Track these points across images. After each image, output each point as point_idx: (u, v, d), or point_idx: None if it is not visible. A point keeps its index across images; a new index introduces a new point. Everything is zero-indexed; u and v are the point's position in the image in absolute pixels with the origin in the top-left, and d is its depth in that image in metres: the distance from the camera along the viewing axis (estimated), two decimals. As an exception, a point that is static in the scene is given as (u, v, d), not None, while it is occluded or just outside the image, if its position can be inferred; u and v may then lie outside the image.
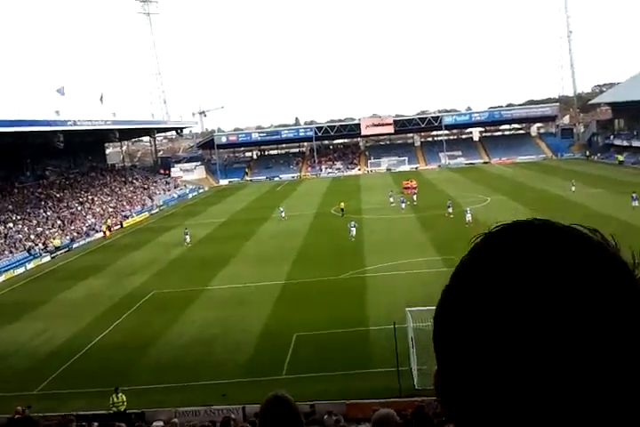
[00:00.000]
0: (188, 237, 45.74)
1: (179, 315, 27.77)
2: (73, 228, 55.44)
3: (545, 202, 50.54)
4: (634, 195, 45.02)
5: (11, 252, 45.85)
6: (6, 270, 41.85)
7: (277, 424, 2.83)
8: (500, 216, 38.67)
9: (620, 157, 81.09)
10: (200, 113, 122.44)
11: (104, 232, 55.38)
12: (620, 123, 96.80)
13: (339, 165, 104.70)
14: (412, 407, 16.76)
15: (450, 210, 47.06)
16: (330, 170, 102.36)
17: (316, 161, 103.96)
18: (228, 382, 20.53)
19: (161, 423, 16.80)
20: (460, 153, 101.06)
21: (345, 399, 18.49)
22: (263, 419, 2.94)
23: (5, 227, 50.48)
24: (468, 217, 42.42)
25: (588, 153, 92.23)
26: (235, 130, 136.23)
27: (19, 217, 53.90)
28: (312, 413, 17.10)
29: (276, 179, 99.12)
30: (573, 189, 54.54)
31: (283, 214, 54.69)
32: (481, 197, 56.34)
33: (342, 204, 52.83)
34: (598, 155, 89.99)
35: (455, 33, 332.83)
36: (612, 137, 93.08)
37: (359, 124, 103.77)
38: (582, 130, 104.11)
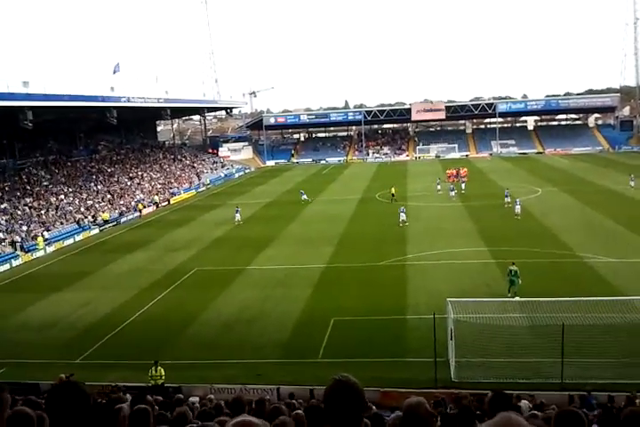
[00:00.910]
0: (238, 215, 46.18)
1: (219, 293, 28.06)
2: (122, 202, 56.61)
3: (599, 196, 48.90)
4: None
5: (61, 223, 47.16)
6: (56, 241, 43.10)
7: (343, 406, 2.81)
8: (551, 208, 37.96)
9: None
10: (250, 93, 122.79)
11: (139, 211, 55.30)
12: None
13: (386, 150, 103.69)
14: (449, 399, 16.54)
15: (507, 199, 45.85)
16: (377, 155, 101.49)
17: (364, 145, 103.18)
18: (265, 362, 20.65)
19: (197, 399, 16.98)
20: (513, 142, 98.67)
21: (379, 387, 18.36)
22: (328, 400, 2.88)
23: (57, 199, 51.90)
24: (518, 208, 41.36)
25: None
26: (283, 111, 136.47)
27: (70, 190, 55.33)
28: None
29: (323, 162, 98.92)
30: (632, 184, 52.48)
31: (304, 197, 54.71)
32: (533, 188, 54.89)
33: (393, 189, 52.30)
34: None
35: (515, 17, 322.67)
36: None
37: (409, 109, 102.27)
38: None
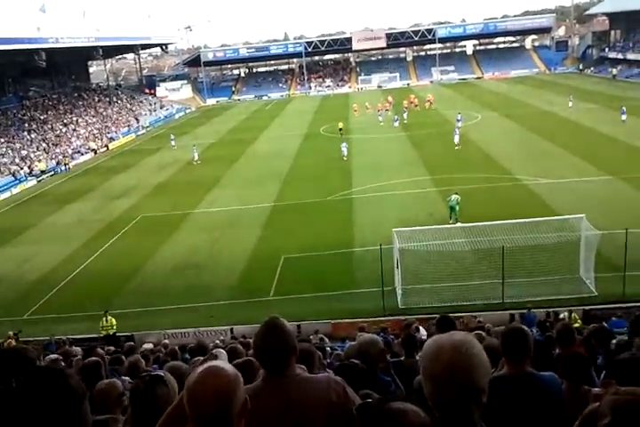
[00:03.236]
0: (196, 154, 45.43)
1: (166, 239, 27.78)
2: (58, 151, 54.48)
3: (536, 119, 49.77)
4: (623, 108, 44.43)
5: (-5, 176, 45.26)
6: (-8, 195, 41.49)
7: (271, 348, 2.90)
8: (491, 133, 38.50)
9: (614, 71, 79.19)
10: (186, 28, 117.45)
11: (66, 165, 50.59)
12: (617, 34, 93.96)
13: (329, 82, 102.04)
14: (396, 326, 17.18)
15: (459, 124, 45.59)
16: (320, 88, 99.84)
17: (306, 78, 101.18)
18: (217, 304, 20.84)
19: (151, 345, 17.11)
20: (452, 68, 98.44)
21: (331, 319, 18.88)
22: (257, 343, 2.99)
23: (-12, 151, 49.56)
24: (457, 138, 40.80)
25: (581, 67, 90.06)
26: (222, 46, 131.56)
27: (2, 140, 52.81)
28: (298, 333, 17.49)
29: (265, 98, 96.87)
30: (571, 104, 53.46)
31: (173, 143, 54.17)
32: (472, 113, 55.32)
33: (341, 124, 51.60)
34: (592, 68, 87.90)
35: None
36: (606, 49, 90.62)
37: (350, 39, 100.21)
38: (577, 42, 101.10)
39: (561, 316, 15.66)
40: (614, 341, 7.49)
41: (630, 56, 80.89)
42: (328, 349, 14.91)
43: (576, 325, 13.94)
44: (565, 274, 19.07)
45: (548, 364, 5.36)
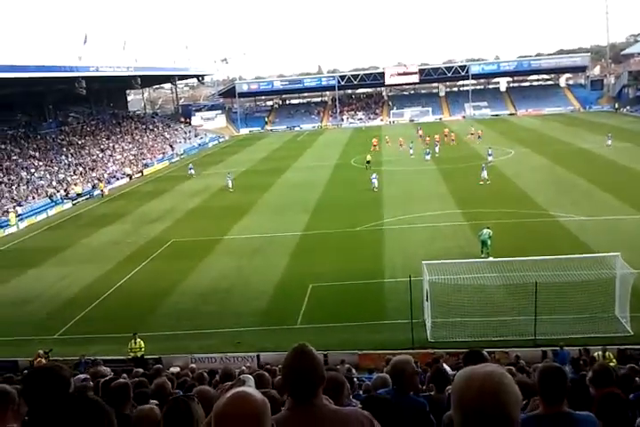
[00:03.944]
0: (230, 181, 46.04)
1: (197, 264, 28.03)
2: (94, 175, 55.76)
3: (570, 155, 49.44)
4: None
5: (33, 198, 46.41)
6: (28, 217, 42.49)
7: (300, 375, 2.87)
8: (524, 169, 38.36)
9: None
10: (222, 60, 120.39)
11: (101, 191, 50.43)
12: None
13: (361, 115, 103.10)
14: (424, 358, 16.91)
15: (490, 158, 46.73)
16: (352, 120, 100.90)
17: (338, 111, 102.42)
18: (244, 330, 20.82)
19: (177, 369, 17.13)
20: (485, 104, 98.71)
21: (358, 350, 18.71)
22: (286, 370, 2.97)
23: (28, 173, 50.95)
24: (484, 174, 40.65)
25: (617, 106, 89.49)
26: (256, 78, 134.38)
27: (41, 163, 54.30)
28: (325, 362, 17.37)
29: (297, 129, 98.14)
30: (609, 142, 52.96)
31: (192, 172, 55.14)
32: (505, 149, 55.22)
33: (369, 156, 51.97)
34: (628, 107, 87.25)
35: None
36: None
37: (383, 73, 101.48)
38: (613, 81, 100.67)
39: (596, 354, 15.26)
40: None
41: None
42: (355, 379, 14.80)
43: (611, 364, 13.58)
44: (600, 312, 18.65)
45: (584, 403, 5.27)
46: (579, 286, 18.99)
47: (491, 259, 23.21)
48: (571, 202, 33.50)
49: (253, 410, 2.19)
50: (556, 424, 3.54)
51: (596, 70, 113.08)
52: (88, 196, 49.96)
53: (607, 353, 15.56)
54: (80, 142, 64.58)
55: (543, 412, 3.64)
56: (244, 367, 16.25)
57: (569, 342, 17.09)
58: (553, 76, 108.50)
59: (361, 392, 9.76)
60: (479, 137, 62.54)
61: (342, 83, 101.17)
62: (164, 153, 72.12)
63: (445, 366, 13.92)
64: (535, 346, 17.82)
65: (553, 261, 20.14)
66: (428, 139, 60.18)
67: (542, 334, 18.10)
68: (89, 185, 52.54)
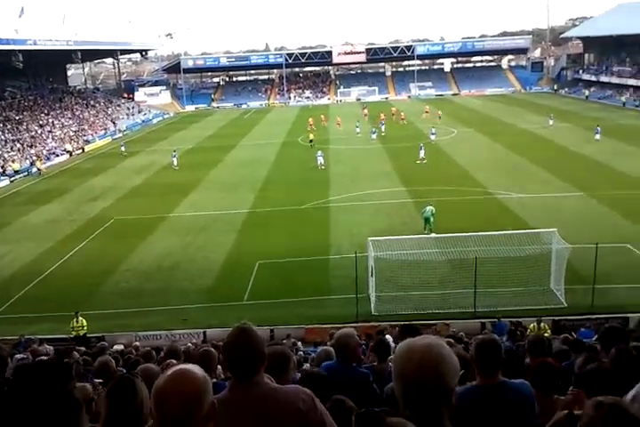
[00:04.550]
0: (175, 159, 45.19)
1: (141, 242, 27.59)
2: (33, 151, 53.77)
3: (511, 135, 50.71)
4: (598, 128, 45.55)
5: (-33, 175, 44.47)
6: (-37, 194, 40.71)
7: (240, 354, 2.87)
8: (466, 148, 39.08)
9: (587, 92, 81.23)
10: (166, 35, 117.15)
11: (38, 169, 48.36)
12: (590, 57, 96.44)
13: (308, 93, 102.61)
14: (368, 331, 17.29)
15: (433, 137, 47.82)
16: (299, 98, 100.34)
17: (286, 89, 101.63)
18: (190, 307, 20.73)
19: (121, 347, 16.96)
20: (430, 84, 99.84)
21: (304, 324, 18.95)
22: (226, 349, 2.97)
23: (-40, 149, 48.71)
24: (422, 153, 41.09)
25: (555, 87, 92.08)
26: (202, 54, 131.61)
27: (-26, 139, 51.93)
28: (271, 337, 17.54)
29: (244, 106, 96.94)
30: (551, 122, 54.49)
31: (123, 149, 54.46)
32: (448, 129, 56.13)
33: (312, 135, 51.69)
34: (566, 89, 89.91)
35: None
36: (580, 71, 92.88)
37: (331, 52, 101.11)
38: (552, 64, 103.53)
39: (531, 325, 15.95)
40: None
41: (603, 79, 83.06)
42: (301, 353, 15.04)
43: (546, 334, 14.22)
44: (536, 285, 19.45)
45: (519, 372, 5.52)
46: (517, 260, 19.73)
47: (433, 235, 23.77)
48: (510, 180, 34.47)
49: (192, 387, 2.17)
50: (492, 394, 3.65)
51: (537, 52, 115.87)
52: (26, 173, 48.18)
53: (542, 324, 16.27)
54: (17, 118, 61.98)
55: (480, 383, 3.76)
56: (189, 344, 16.24)
57: (507, 314, 17.78)
58: (496, 57, 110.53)
59: (308, 365, 9.95)
60: (439, 117, 62.51)
61: (290, 61, 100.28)
62: (106, 129, 70.09)
63: (388, 336, 14.31)
64: (475, 318, 18.46)
65: (492, 236, 20.80)
66: (383, 117, 60.27)
67: (481, 307, 18.76)
68: (27, 162, 50.66)
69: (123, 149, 54.83)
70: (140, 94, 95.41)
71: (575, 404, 3.76)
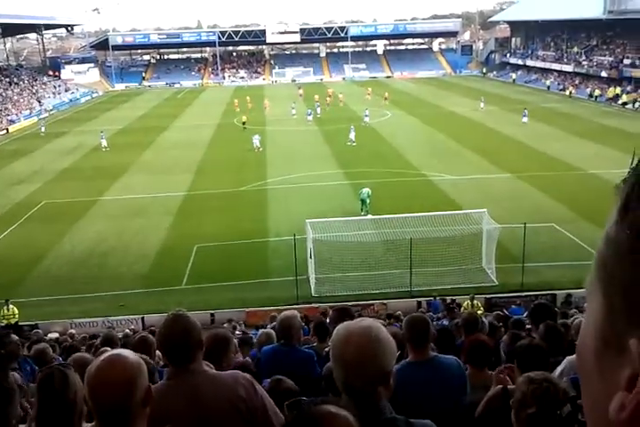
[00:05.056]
0: (104, 140, 43.61)
1: (72, 227, 26.72)
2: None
3: (442, 118, 51.86)
4: (525, 111, 47.21)
5: None
6: None
7: (175, 342, 2.87)
8: (399, 131, 39.74)
9: (514, 76, 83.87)
10: (93, 10, 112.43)
11: None
12: (517, 41, 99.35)
13: (243, 73, 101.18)
14: (309, 313, 17.56)
15: (366, 119, 48.29)
16: (233, 78, 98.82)
17: (220, 68, 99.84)
18: (127, 293, 20.39)
19: (56, 335, 16.58)
20: (364, 66, 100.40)
21: (245, 308, 19.03)
22: (161, 337, 2.99)
23: None
24: (352, 135, 41.25)
25: (484, 70, 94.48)
26: (132, 30, 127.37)
27: None
28: (212, 321, 17.53)
29: (177, 85, 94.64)
30: (482, 105, 55.95)
31: (43, 129, 53.07)
32: (382, 111, 56.78)
33: (244, 117, 50.89)
34: (494, 72, 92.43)
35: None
36: (508, 55, 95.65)
37: (264, 31, 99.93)
38: (481, 47, 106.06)
39: (465, 303, 16.61)
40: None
41: (529, 62, 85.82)
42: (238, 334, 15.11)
43: (479, 312, 14.87)
44: (469, 265, 20.22)
45: (453, 349, 5.81)
46: (450, 240, 20.41)
47: (370, 216, 24.20)
48: (443, 162, 35.37)
49: (125, 373, 2.15)
50: (423, 369, 3.87)
51: (466, 36, 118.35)
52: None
53: (475, 302, 16.98)
54: None
55: (412, 359, 3.97)
56: (127, 330, 16.04)
57: (442, 292, 18.44)
58: (427, 40, 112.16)
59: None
60: (385, 99, 62.66)
61: (223, 39, 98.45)
62: (31, 109, 66.96)
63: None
64: (411, 297, 19.04)
65: (426, 217, 21.40)
66: (317, 98, 60.12)
67: (417, 286, 19.37)
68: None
69: (42, 129, 52.65)
70: (66, 72, 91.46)
71: (508, 379, 4.02)
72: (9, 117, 60.60)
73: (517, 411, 3.01)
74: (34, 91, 74.98)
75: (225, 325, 15.80)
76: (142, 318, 18.51)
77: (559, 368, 4.71)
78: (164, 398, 2.68)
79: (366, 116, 49.19)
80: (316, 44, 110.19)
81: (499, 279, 19.63)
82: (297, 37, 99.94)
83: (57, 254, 23.72)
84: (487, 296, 18.47)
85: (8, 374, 2.13)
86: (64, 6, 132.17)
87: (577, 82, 71.38)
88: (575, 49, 78.51)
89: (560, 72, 77.09)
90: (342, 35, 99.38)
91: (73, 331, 16.85)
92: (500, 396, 3.69)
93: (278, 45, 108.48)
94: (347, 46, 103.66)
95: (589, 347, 0.63)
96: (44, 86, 79.36)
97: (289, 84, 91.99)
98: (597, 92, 62.81)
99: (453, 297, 17.61)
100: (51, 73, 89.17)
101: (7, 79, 74.86)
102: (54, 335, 16.51)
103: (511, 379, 3.96)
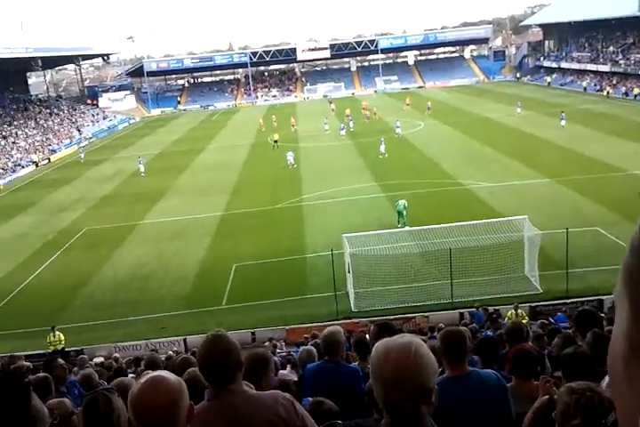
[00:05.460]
0: (142, 166, 44.51)
1: (113, 252, 27.22)
2: (-3, 164, 52.70)
3: (476, 125, 51.22)
4: (562, 114, 46.23)
5: None
6: None
7: (214, 363, 2.86)
8: (434, 140, 39.34)
9: (549, 79, 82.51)
10: (128, 38, 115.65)
11: None
12: (550, 44, 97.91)
13: (275, 92, 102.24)
14: (350, 328, 17.34)
15: (398, 130, 48.39)
16: (266, 97, 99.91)
17: (252, 88, 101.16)
18: (168, 315, 20.55)
19: (101, 359, 16.76)
20: (395, 77, 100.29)
21: (284, 325, 18.92)
22: (200, 359, 2.96)
23: None
24: (382, 148, 41.00)
25: (518, 75, 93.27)
26: (165, 56, 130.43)
27: None
28: (253, 340, 17.48)
29: (211, 107, 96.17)
30: (519, 110, 55.07)
31: (82, 155, 54.56)
32: (415, 122, 56.46)
33: (276, 135, 51.01)
34: (528, 77, 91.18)
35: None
36: (541, 59, 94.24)
37: (295, 49, 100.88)
38: (514, 52, 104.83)
39: (509, 313, 16.16)
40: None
41: (564, 65, 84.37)
42: (283, 354, 15.00)
43: (523, 321, 14.42)
44: (511, 273, 19.71)
45: (496, 360, 5.58)
46: (490, 249, 19.96)
47: (407, 228, 23.90)
48: (479, 170, 34.82)
49: (167, 394, 2.17)
50: (461, 384, 3.72)
51: (498, 41, 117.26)
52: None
53: (519, 311, 16.50)
54: (-22, 130, 60.72)
55: (449, 374, 3.82)
56: (170, 352, 16.10)
57: (484, 302, 17.97)
58: (458, 48, 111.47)
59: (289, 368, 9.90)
60: (428, 108, 62.09)
61: (254, 59, 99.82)
62: (71, 138, 68.97)
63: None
64: (453, 309, 18.63)
65: (465, 226, 20.99)
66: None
67: (459, 297, 18.94)
68: (-9, 175, 49.60)
69: (82, 155, 54.46)
70: (104, 100, 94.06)
71: (554, 389, 3.85)
72: (50, 147, 62.47)
73: (562, 423, 2.93)
74: (73, 120, 77.27)
75: (266, 344, 15.72)
76: (184, 340, 18.58)
77: (607, 378, 4.45)
78: (205, 418, 2.70)
79: (398, 127, 48.97)
80: (347, 59, 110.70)
81: (543, 287, 19.07)
82: (327, 53, 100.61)
83: (99, 280, 24.13)
84: (532, 304, 17.95)
85: (30, 401, 2.10)
86: (100, 36, 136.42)
87: (614, 82, 69.76)
88: (611, 48, 76.84)
89: (596, 73, 75.51)
90: (372, 48, 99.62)
91: (117, 355, 17.01)
92: (546, 407, 3.58)
93: (309, 62, 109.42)
94: (377, 59, 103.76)
95: (618, 355, 0.61)
96: (82, 115, 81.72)
97: (320, 99, 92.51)
98: (636, 90, 61.17)
99: (497, 307, 17.16)
100: (89, 102, 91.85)
101: (48, 110, 77.38)
102: (99, 360, 16.70)
103: (558, 389, 3.78)
